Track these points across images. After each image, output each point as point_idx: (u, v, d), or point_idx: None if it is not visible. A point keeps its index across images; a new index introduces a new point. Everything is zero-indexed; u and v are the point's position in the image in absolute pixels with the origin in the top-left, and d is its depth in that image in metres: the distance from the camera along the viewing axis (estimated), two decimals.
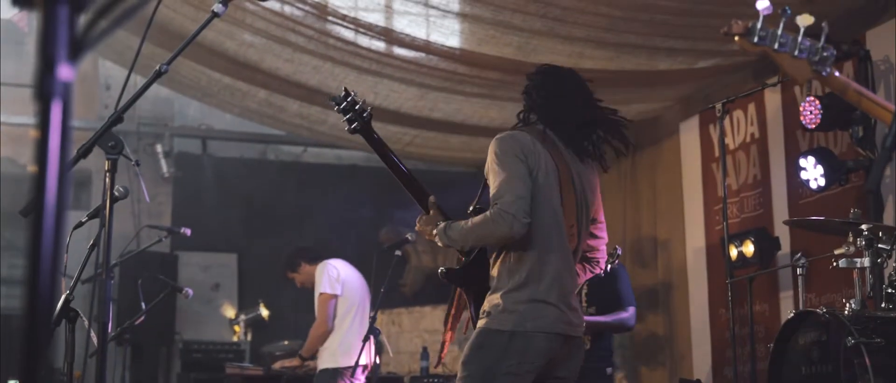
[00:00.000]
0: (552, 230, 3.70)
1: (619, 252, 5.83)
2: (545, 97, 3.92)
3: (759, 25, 2.42)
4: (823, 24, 2.46)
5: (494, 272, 3.75)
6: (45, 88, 1.22)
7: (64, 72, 1.22)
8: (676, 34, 6.78)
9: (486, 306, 3.72)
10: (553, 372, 3.73)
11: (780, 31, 2.42)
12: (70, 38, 1.23)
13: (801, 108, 6.03)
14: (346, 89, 4.05)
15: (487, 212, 3.64)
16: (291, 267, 7.38)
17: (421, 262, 9.92)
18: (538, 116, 3.90)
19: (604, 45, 6.98)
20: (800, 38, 2.45)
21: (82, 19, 1.27)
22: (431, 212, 3.88)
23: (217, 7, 2.77)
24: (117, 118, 2.76)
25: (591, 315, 6.22)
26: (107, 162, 2.75)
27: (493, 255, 3.79)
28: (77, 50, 1.24)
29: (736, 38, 2.52)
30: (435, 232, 3.79)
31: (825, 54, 2.48)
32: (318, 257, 7.28)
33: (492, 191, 3.67)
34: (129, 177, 6.91)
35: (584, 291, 6.12)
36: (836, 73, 2.51)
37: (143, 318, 6.16)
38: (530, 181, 3.65)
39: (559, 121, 3.89)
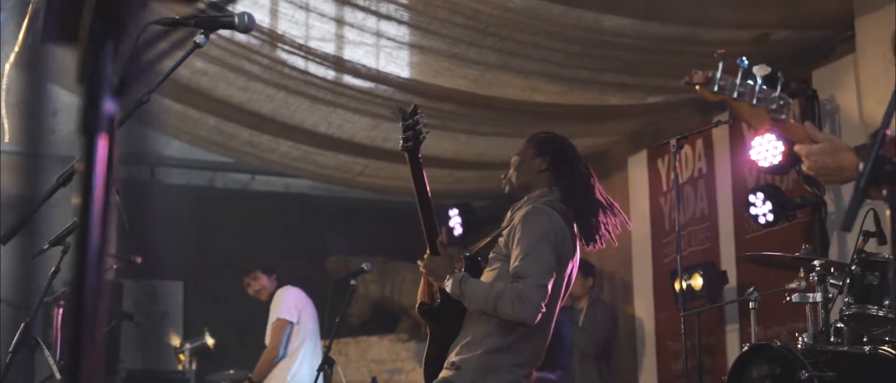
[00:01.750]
0: (550, 315, 3.73)
1: None
2: (572, 176, 3.88)
3: (718, 75, 2.52)
4: (779, 74, 2.56)
5: (476, 327, 3.73)
6: (90, 123, 1.24)
7: (108, 106, 1.25)
8: (628, 70, 6.91)
9: (457, 358, 3.69)
10: None
11: (738, 81, 2.52)
12: (114, 73, 1.26)
13: (752, 145, 6.17)
14: (415, 106, 3.96)
15: (506, 286, 3.59)
16: (247, 272, 7.39)
17: (368, 292, 9.92)
18: (563, 195, 3.84)
19: (557, 80, 7.08)
20: (757, 88, 2.55)
21: (124, 57, 1.30)
22: (443, 253, 3.81)
23: (199, 38, 2.79)
24: None
25: None
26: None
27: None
28: (122, 85, 1.26)
29: (697, 88, 2.61)
30: (449, 279, 3.72)
31: (781, 102, 2.58)
32: (273, 269, 7.30)
33: (518, 261, 3.61)
34: None
35: None
36: (792, 120, 2.62)
37: None
38: (554, 271, 3.65)
39: (582, 208, 3.83)
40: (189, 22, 2.79)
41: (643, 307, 8.13)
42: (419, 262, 3.87)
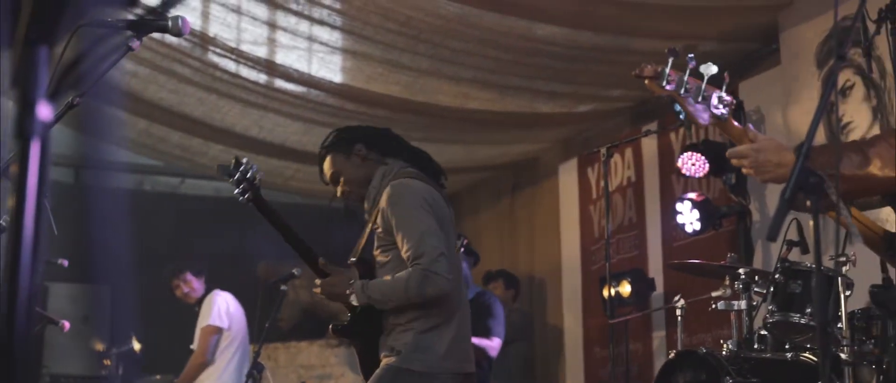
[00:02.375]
0: (457, 273, 3.75)
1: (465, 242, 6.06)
2: (395, 139, 3.97)
3: (667, 70, 2.57)
4: (725, 74, 2.62)
5: (399, 313, 3.72)
6: (24, 128, 1.23)
7: (43, 111, 1.24)
8: (559, 78, 6.98)
9: (393, 343, 3.70)
10: None
11: (686, 78, 2.57)
12: (48, 78, 1.26)
13: (680, 164, 6.26)
14: (236, 158, 4.00)
15: (410, 272, 3.60)
16: (175, 273, 7.29)
17: (298, 297, 9.87)
18: (405, 159, 3.90)
19: (489, 87, 7.12)
20: (703, 86, 2.61)
21: (59, 61, 1.29)
22: (332, 272, 3.81)
23: (132, 41, 2.77)
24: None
25: None
26: None
27: None
28: (56, 90, 1.26)
29: (646, 81, 2.66)
30: (350, 292, 3.71)
31: (725, 101, 2.65)
32: (202, 271, 7.21)
33: (406, 246, 3.62)
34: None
35: None
36: (733, 121, 2.68)
37: None
38: (441, 232, 3.66)
39: (420, 160, 3.93)
40: (121, 25, 2.76)
41: (572, 314, 8.20)
42: (315, 290, 3.85)
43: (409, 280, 3.60)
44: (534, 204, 8.94)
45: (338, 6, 6.42)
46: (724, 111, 2.58)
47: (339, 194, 3.98)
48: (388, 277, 3.70)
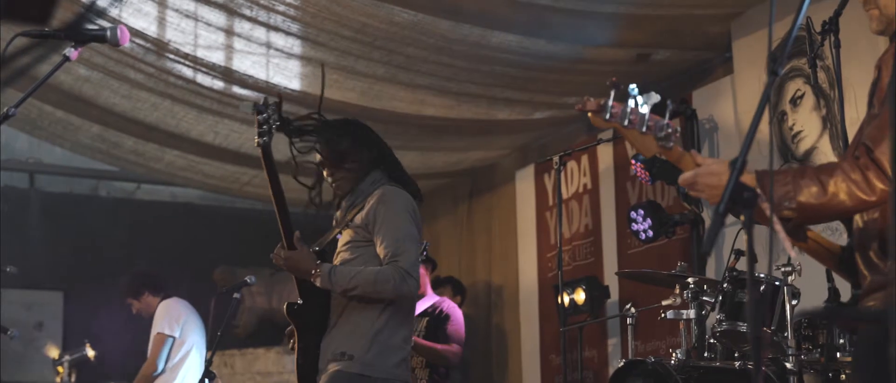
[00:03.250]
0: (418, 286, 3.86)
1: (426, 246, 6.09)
2: (383, 151, 4.07)
3: (610, 103, 2.58)
4: (668, 102, 2.63)
5: (353, 315, 3.76)
6: None
7: None
8: (515, 86, 6.99)
9: (344, 347, 3.71)
10: None
11: (628, 109, 2.58)
12: None
13: (632, 165, 6.30)
14: (266, 98, 4.05)
15: (385, 267, 3.69)
16: (133, 293, 7.17)
17: (255, 304, 9.82)
18: (387, 172, 4.02)
19: (445, 94, 7.12)
20: (647, 116, 2.62)
21: None
22: (300, 248, 3.87)
23: (68, 51, 2.74)
24: None
25: (424, 361, 6.40)
26: None
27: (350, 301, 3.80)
28: None
29: (589, 115, 2.67)
30: (316, 271, 3.77)
31: (669, 130, 2.66)
32: (161, 288, 7.12)
33: (386, 246, 3.71)
34: None
35: (422, 325, 6.31)
36: (678, 147, 2.70)
37: None
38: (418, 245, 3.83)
39: (405, 179, 4.07)
40: (59, 34, 2.74)
41: (528, 321, 8.21)
42: (278, 256, 3.88)
43: (382, 273, 3.69)
44: (491, 210, 8.95)
45: (292, 12, 6.39)
46: (668, 143, 2.60)
47: (327, 174, 4.03)
48: (358, 268, 3.77)
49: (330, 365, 3.76)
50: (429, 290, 6.73)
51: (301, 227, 3.95)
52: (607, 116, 2.53)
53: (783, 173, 2.65)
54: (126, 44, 2.80)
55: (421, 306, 6.36)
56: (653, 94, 2.56)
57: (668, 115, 2.60)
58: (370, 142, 4.08)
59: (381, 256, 3.73)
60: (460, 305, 7.80)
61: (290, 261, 3.87)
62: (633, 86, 2.53)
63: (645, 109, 2.55)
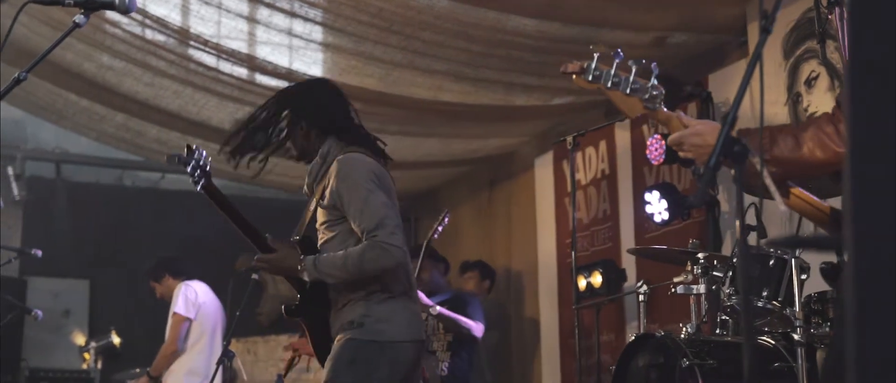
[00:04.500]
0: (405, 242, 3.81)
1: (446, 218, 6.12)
2: (334, 113, 3.96)
3: (593, 65, 2.63)
4: (653, 65, 2.67)
5: (350, 288, 3.74)
6: None
7: None
8: (532, 71, 7.02)
9: (350, 316, 3.71)
10: (409, 379, 3.81)
11: (613, 71, 2.62)
12: None
13: (647, 144, 6.31)
14: (188, 146, 4.04)
15: (365, 245, 3.62)
16: (155, 276, 7.34)
17: (278, 291, 9.91)
18: (341, 134, 3.92)
19: (463, 80, 7.16)
20: (631, 78, 2.66)
21: None
22: (279, 247, 3.87)
23: (79, 18, 2.80)
24: None
25: (447, 342, 6.44)
26: None
27: None
28: None
29: (573, 77, 2.72)
30: (301, 267, 3.73)
31: (654, 93, 2.70)
32: (182, 271, 7.25)
33: (360, 219, 3.64)
34: None
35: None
36: (664, 109, 2.73)
37: None
38: (391, 206, 3.71)
39: (361, 139, 3.95)
40: (68, 2, 2.80)
41: (548, 305, 8.25)
42: (259, 264, 3.89)
43: (364, 253, 3.62)
44: (511, 197, 9.00)
45: None
46: (653, 104, 2.63)
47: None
48: (341, 252, 3.72)
49: (339, 335, 3.76)
50: (443, 289, 6.78)
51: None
52: (590, 77, 2.57)
53: (763, 130, 2.67)
54: (134, 10, 2.85)
55: (439, 300, 6.41)
56: (638, 59, 2.60)
57: (653, 79, 2.62)
58: (313, 109, 3.95)
59: (359, 234, 3.66)
60: (489, 290, 7.84)
61: (272, 262, 3.86)
62: (618, 50, 2.58)
63: (630, 72, 2.59)
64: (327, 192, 3.75)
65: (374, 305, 3.69)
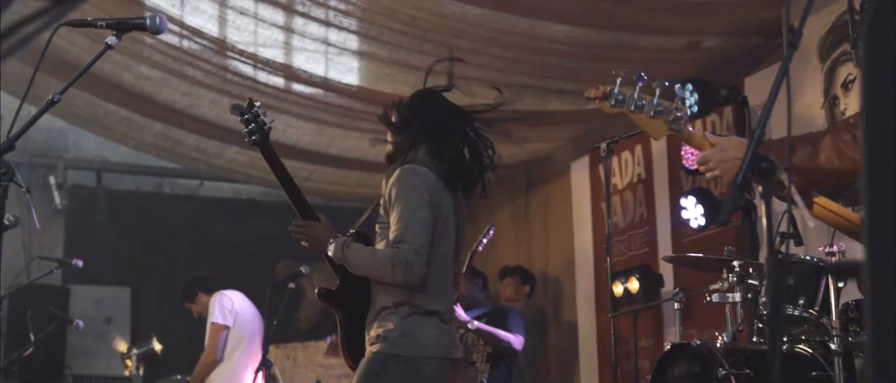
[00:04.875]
0: (444, 263, 3.78)
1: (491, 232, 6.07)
2: (430, 128, 3.94)
3: (616, 90, 2.62)
4: (676, 87, 2.67)
5: (385, 295, 3.72)
6: None
7: None
8: (566, 76, 7.01)
9: (378, 331, 3.69)
10: None
11: (636, 95, 2.62)
12: None
13: (682, 152, 6.28)
14: (250, 100, 4.04)
15: (390, 251, 3.62)
16: (188, 297, 7.39)
17: (316, 298, 9.95)
18: (428, 150, 3.87)
19: (496, 85, 7.14)
20: (655, 100, 2.65)
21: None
22: (323, 219, 3.89)
23: (111, 40, 2.84)
24: (8, 146, 2.81)
25: (487, 354, 6.42)
26: None
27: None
28: None
29: (596, 102, 2.72)
30: (332, 242, 3.74)
31: (678, 114, 2.69)
32: (215, 287, 7.29)
33: (395, 228, 3.64)
34: (20, 206, 6.83)
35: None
36: (689, 129, 2.72)
37: (31, 350, 6.10)
38: (432, 227, 3.67)
39: (442, 149, 3.90)
40: (100, 23, 2.84)
41: (585, 310, 8.23)
42: (295, 227, 3.86)
43: (384, 258, 3.62)
44: (548, 202, 8.99)
45: (345, 7, 6.49)
46: (678, 125, 2.63)
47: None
48: (370, 248, 3.75)
49: (368, 346, 3.74)
50: (482, 303, 6.76)
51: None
52: (613, 102, 2.57)
53: (781, 141, 2.66)
54: (165, 31, 2.89)
55: (476, 314, 6.39)
56: (661, 81, 2.60)
57: (676, 100, 2.62)
58: (420, 115, 3.98)
59: (391, 240, 3.66)
60: (529, 295, 7.81)
61: (307, 229, 3.85)
62: (641, 73, 2.58)
63: (654, 94, 2.59)
64: (383, 197, 3.77)
65: (400, 319, 3.68)
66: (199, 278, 7.56)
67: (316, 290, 3.98)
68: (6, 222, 3.51)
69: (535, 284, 7.95)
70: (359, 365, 3.75)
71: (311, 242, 3.85)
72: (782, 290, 4.29)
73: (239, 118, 4.03)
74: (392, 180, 3.73)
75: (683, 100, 2.73)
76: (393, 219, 3.68)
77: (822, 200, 2.79)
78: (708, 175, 2.72)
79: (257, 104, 4.03)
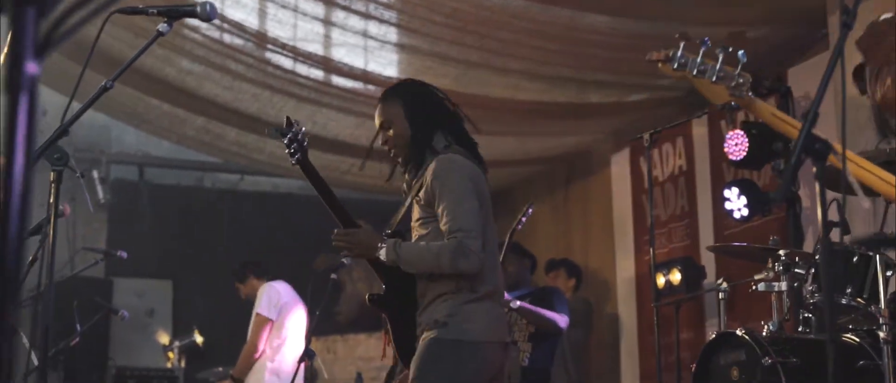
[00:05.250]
0: (493, 247, 3.80)
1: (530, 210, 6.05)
2: (446, 113, 3.92)
3: (679, 53, 2.61)
4: (740, 53, 2.65)
5: (438, 284, 3.71)
6: (13, 82, 1.32)
7: (31, 67, 1.33)
8: (606, 68, 7.00)
9: (435, 315, 3.69)
10: (495, 380, 3.79)
11: (699, 59, 2.61)
12: (36, 36, 1.35)
13: (726, 141, 6.24)
14: (289, 119, 4.00)
15: (446, 243, 3.60)
16: (239, 277, 7.44)
17: (356, 290, 10.00)
18: (452, 136, 3.86)
19: (538, 78, 7.16)
20: (718, 66, 2.64)
21: (48, 20, 1.38)
22: (362, 226, 3.85)
23: (162, 26, 2.87)
24: (62, 131, 2.85)
25: (529, 334, 6.41)
26: (52, 173, 2.83)
27: None
28: (43, 48, 1.35)
29: (659, 65, 2.71)
30: (382, 246, 3.68)
31: (740, 80, 2.68)
32: (265, 272, 7.34)
33: (446, 219, 3.63)
34: (73, 191, 6.93)
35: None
36: (750, 95, 2.71)
37: (77, 341, 6.17)
38: (481, 213, 3.68)
39: (464, 138, 3.89)
40: (151, 11, 2.87)
41: (626, 303, 8.21)
42: (338, 237, 3.79)
43: (443, 250, 3.60)
44: (588, 195, 8.97)
45: (385, 0, 6.51)
46: (740, 92, 2.62)
47: (381, 142, 3.92)
48: (423, 243, 3.70)
49: (425, 334, 3.74)
50: (527, 283, 6.76)
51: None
52: (676, 65, 2.56)
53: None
54: (216, 18, 2.91)
55: (520, 294, 6.38)
56: (724, 46, 2.58)
57: (739, 66, 2.60)
58: (425, 104, 3.92)
59: (444, 232, 3.63)
60: (576, 287, 7.79)
61: (351, 238, 3.78)
62: (705, 38, 2.56)
63: (717, 60, 2.57)
64: (422, 190, 3.75)
65: (459, 305, 3.68)
66: (251, 261, 7.63)
67: (367, 297, 3.93)
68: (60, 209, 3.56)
69: (582, 277, 7.92)
70: (414, 354, 3.77)
71: (357, 249, 3.78)
72: (836, 278, 4.28)
73: (282, 140, 3.95)
74: (432, 172, 3.69)
75: (766, 92, 2.73)
76: (441, 210, 3.66)
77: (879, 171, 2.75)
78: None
79: (296, 121, 3.99)
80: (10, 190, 1.31)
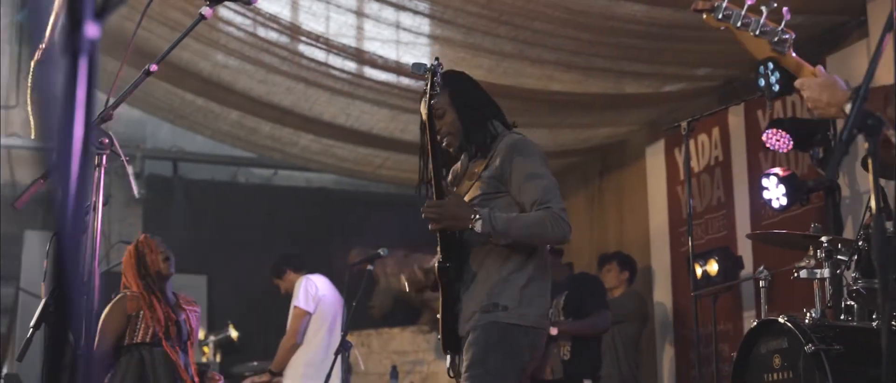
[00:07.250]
0: None
1: None
2: (491, 100, 4.00)
3: (723, 4, 2.60)
4: (784, 10, 2.63)
5: (499, 265, 3.71)
6: (73, 45, 1.32)
7: (90, 30, 1.33)
8: (642, 58, 6.94)
9: (496, 298, 3.66)
10: (534, 367, 3.86)
11: (743, 11, 2.60)
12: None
13: (764, 138, 6.18)
14: (438, 59, 3.80)
15: (540, 212, 3.59)
16: (277, 273, 7.48)
17: (390, 285, 9.99)
18: (500, 122, 3.94)
19: (572, 69, 7.12)
20: (762, 20, 2.62)
21: None
22: (454, 197, 3.70)
23: (204, 10, 2.87)
24: (106, 116, 2.86)
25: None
26: (96, 158, 2.84)
27: (490, 249, 3.72)
28: (102, 10, 1.34)
29: (704, 16, 2.70)
30: (478, 217, 3.60)
31: (784, 36, 2.66)
32: (302, 266, 7.36)
33: (530, 192, 3.63)
34: (108, 186, 6.93)
35: (559, 305, 6.29)
36: (793, 54, 2.69)
37: None
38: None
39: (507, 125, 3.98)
40: None
41: (662, 294, 8.17)
42: (430, 208, 3.65)
43: (542, 218, 3.59)
44: (622, 186, 8.92)
45: None
46: (782, 48, 2.61)
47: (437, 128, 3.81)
48: (513, 213, 3.66)
49: (478, 315, 3.69)
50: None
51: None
52: (720, 15, 2.55)
53: (876, 90, 2.62)
54: (256, 2, 2.92)
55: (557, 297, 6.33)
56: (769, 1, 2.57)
57: (783, 22, 2.58)
58: (474, 91, 4.02)
59: (527, 204, 3.62)
60: (629, 281, 7.72)
61: (443, 209, 3.63)
62: None
63: (761, 14, 2.57)
64: (493, 164, 3.72)
65: (519, 288, 3.68)
66: (288, 255, 7.65)
67: (436, 264, 3.76)
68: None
69: (636, 270, 7.81)
70: (472, 336, 3.71)
71: (449, 221, 3.66)
72: (890, 263, 4.22)
73: (427, 76, 3.72)
74: (508, 148, 3.72)
75: (770, 60, 2.71)
76: (523, 185, 3.66)
77: None
78: (808, 103, 2.71)
79: (436, 61, 3.77)
80: (68, 150, 1.31)
